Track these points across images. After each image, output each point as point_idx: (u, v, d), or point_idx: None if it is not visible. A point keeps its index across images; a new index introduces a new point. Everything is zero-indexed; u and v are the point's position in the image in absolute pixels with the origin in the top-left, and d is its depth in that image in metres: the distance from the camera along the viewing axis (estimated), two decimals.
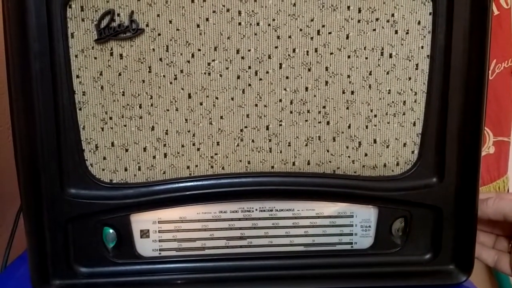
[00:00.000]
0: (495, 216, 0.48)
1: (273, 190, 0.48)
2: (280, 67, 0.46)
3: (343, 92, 0.46)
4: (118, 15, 0.43)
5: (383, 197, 0.49)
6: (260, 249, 0.50)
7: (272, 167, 0.48)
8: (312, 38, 0.45)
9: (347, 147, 0.48)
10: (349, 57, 0.46)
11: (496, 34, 0.82)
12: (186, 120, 0.46)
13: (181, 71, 0.45)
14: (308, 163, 0.48)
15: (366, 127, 0.47)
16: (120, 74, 0.45)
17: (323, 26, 0.45)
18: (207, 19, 0.44)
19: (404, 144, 0.48)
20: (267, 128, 0.47)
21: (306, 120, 0.47)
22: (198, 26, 0.44)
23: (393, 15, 0.45)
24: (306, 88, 0.46)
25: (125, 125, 0.46)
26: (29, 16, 0.42)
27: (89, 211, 0.47)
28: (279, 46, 0.45)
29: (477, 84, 0.46)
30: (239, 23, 0.44)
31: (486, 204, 0.48)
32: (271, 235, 0.50)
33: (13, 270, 0.55)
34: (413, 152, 0.48)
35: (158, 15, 0.44)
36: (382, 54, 0.46)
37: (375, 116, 0.47)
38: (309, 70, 0.46)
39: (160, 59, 0.45)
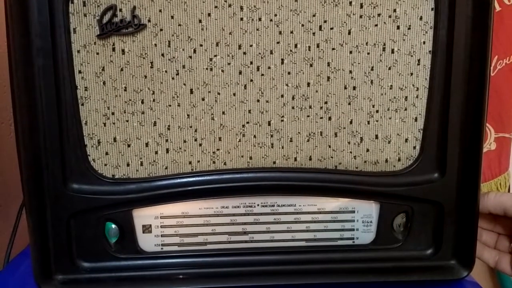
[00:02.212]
0: (495, 209, 0.48)
1: (275, 185, 0.48)
2: (282, 63, 0.46)
3: (345, 88, 0.47)
4: (120, 10, 0.43)
5: (384, 192, 0.49)
6: (262, 244, 0.50)
7: (274, 162, 0.48)
8: (314, 33, 0.45)
9: (349, 143, 0.48)
10: (351, 52, 0.46)
11: (497, 31, 0.81)
12: (188, 115, 0.46)
13: (183, 67, 0.45)
14: (310, 159, 0.48)
15: (368, 122, 0.47)
16: (122, 70, 0.45)
17: (325, 21, 0.45)
18: (209, 15, 0.44)
19: (406, 140, 0.48)
20: (269, 123, 0.47)
21: (308, 116, 0.47)
22: (200, 21, 0.44)
23: (395, 10, 0.45)
24: (308, 84, 0.46)
25: (127, 121, 0.46)
26: (32, 12, 0.43)
27: (91, 206, 0.47)
28: (281, 41, 0.45)
29: (478, 80, 0.46)
30: (241, 19, 0.44)
31: (487, 197, 0.48)
32: (273, 230, 0.50)
33: (15, 265, 0.56)
34: (414, 147, 0.48)
35: (160, 11, 0.44)
36: (384, 49, 0.46)
37: (377, 111, 0.47)
38: (311, 65, 0.46)
39: (162, 55, 0.45)
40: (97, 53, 0.44)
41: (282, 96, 0.46)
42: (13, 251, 0.58)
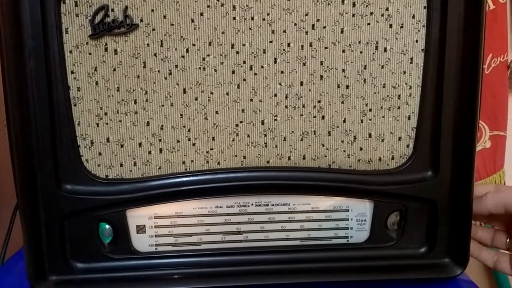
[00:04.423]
0: (495, 209, 0.48)
1: (269, 184, 0.48)
2: (275, 62, 0.46)
3: (338, 87, 0.47)
4: (112, 10, 0.43)
5: (378, 191, 0.49)
6: (256, 244, 0.50)
7: (268, 161, 0.48)
8: (306, 32, 0.45)
9: (342, 142, 0.48)
10: (343, 51, 0.46)
11: (492, 29, 0.82)
12: (181, 115, 0.46)
13: (176, 66, 0.45)
14: (304, 158, 0.48)
15: (361, 121, 0.47)
16: (114, 70, 0.45)
17: (317, 20, 0.45)
18: (201, 14, 0.44)
19: (399, 138, 0.48)
20: (263, 123, 0.47)
21: (301, 115, 0.47)
22: (192, 21, 0.44)
23: (387, 9, 0.45)
24: (301, 83, 0.46)
25: (120, 121, 0.46)
26: (24, 12, 0.42)
27: (85, 207, 0.47)
28: (273, 40, 0.45)
29: (471, 78, 0.46)
30: (234, 18, 0.44)
31: (485, 197, 0.48)
32: (267, 229, 0.50)
33: (10, 266, 0.56)
34: (408, 146, 0.48)
35: (152, 10, 0.44)
36: (376, 48, 0.46)
37: (370, 110, 0.47)
38: (304, 64, 0.46)
39: (155, 54, 0.45)
40: (90, 53, 0.44)
41: (275, 95, 0.46)
42: (7, 252, 0.58)
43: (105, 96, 0.45)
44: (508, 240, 0.50)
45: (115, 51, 0.44)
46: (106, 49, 0.44)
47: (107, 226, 0.48)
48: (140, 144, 0.47)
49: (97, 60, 0.44)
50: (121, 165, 0.47)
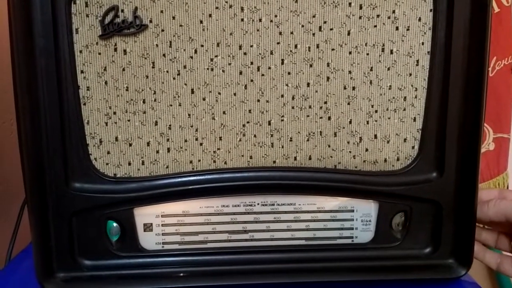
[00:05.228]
0: (496, 217, 0.48)
1: (275, 184, 0.48)
2: (282, 63, 0.46)
3: (344, 88, 0.47)
4: (122, 11, 0.44)
5: (383, 191, 0.49)
6: (262, 243, 0.50)
7: (274, 162, 0.48)
8: (313, 34, 0.46)
9: (348, 142, 0.48)
10: (350, 53, 0.46)
11: (496, 32, 0.82)
12: (189, 115, 0.47)
13: (184, 67, 0.45)
14: (310, 158, 0.49)
15: (367, 122, 0.48)
16: (124, 70, 0.45)
17: (324, 22, 0.45)
18: (210, 15, 0.45)
19: (405, 140, 0.49)
20: (269, 123, 0.47)
21: (308, 116, 0.47)
22: (201, 22, 0.45)
23: (394, 11, 0.46)
24: (308, 84, 0.47)
25: (128, 120, 0.46)
26: (34, 12, 0.43)
27: (93, 205, 0.47)
28: (281, 42, 0.46)
29: (477, 80, 0.46)
30: (242, 19, 0.45)
31: (487, 206, 0.49)
32: (273, 229, 0.50)
33: (17, 263, 0.56)
34: (413, 147, 0.49)
35: (161, 11, 0.44)
36: (383, 50, 0.46)
37: (376, 111, 0.48)
38: (310, 66, 0.46)
39: (164, 55, 0.45)
40: (99, 53, 0.45)
41: (282, 96, 0.47)
42: (14, 250, 0.59)
43: (114, 95, 0.46)
44: (511, 242, 0.50)
45: (125, 51, 0.45)
46: (115, 49, 0.45)
47: (115, 224, 0.49)
48: (148, 143, 0.47)
49: (107, 60, 0.45)
50: (129, 164, 0.48)
